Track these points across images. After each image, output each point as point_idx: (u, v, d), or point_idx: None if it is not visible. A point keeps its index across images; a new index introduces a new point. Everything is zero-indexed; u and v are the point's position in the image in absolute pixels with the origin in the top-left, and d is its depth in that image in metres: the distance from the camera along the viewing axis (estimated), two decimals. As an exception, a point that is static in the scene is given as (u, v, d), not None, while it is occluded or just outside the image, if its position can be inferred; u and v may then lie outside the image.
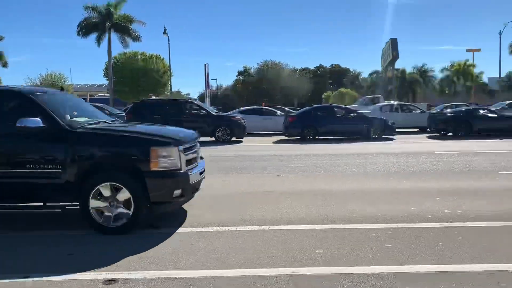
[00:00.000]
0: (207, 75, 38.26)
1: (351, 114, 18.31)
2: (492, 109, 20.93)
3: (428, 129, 20.36)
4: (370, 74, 67.66)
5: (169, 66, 43.13)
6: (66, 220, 5.35)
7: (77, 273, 3.72)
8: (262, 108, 24.27)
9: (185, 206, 5.85)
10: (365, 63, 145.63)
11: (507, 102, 28.71)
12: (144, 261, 4.03)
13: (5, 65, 43.59)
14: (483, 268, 3.70)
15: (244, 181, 8.42)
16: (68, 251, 4.34)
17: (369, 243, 4.43)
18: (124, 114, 19.71)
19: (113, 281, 3.56)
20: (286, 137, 18.14)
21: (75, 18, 75.75)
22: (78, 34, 38.06)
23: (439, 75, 62.69)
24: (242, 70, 68.17)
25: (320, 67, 78.14)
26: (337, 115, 18.31)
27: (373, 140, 16.82)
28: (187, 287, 3.44)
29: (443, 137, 18.38)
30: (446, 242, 4.44)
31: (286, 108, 27.58)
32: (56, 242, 4.69)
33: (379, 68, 51.48)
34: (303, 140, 17.22)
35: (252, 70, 67.00)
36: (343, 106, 22.56)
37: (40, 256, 4.25)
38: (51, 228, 5.23)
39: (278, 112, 22.76)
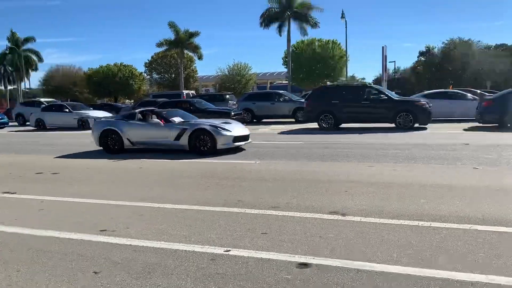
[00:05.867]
0: (384, 58, 34.35)
1: None
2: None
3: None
4: None
5: (346, 51, 41.65)
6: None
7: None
8: (448, 91, 21.93)
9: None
10: None
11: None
12: None
13: (200, 57, 47.62)
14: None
15: (429, 171, 7.58)
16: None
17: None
18: (303, 100, 20.82)
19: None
20: (480, 124, 15.56)
21: (258, 11, 54.53)
22: (261, 25, 40.88)
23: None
24: (424, 50, 53.19)
25: (521, 42, 59.88)
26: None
27: None
28: None
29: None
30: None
31: (479, 91, 23.51)
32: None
33: None
34: (502, 127, 14.05)
35: (436, 50, 51.83)
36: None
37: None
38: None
39: (469, 95, 20.08)
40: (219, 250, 4.03)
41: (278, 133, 16.22)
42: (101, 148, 11.77)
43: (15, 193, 6.92)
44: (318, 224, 4.73)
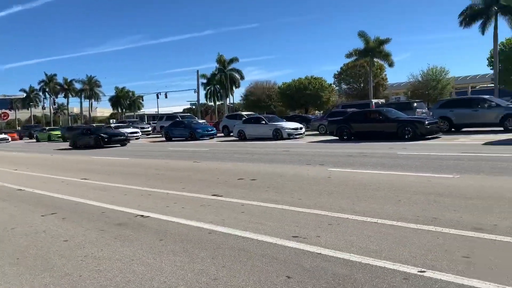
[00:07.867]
0: None
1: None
2: None
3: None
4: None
5: None
6: None
7: None
8: None
9: None
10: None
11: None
12: None
13: (391, 64, 46.76)
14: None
15: None
16: None
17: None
18: None
19: None
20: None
21: (454, 10, 66.38)
22: (461, 24, 37.63)
23: None
24: None
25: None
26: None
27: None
28: None
29: None
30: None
31: None
32: None
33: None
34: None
35: None
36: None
37: None
38: None
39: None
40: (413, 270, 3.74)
41: (483, 144, 14.34)
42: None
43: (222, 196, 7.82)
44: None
